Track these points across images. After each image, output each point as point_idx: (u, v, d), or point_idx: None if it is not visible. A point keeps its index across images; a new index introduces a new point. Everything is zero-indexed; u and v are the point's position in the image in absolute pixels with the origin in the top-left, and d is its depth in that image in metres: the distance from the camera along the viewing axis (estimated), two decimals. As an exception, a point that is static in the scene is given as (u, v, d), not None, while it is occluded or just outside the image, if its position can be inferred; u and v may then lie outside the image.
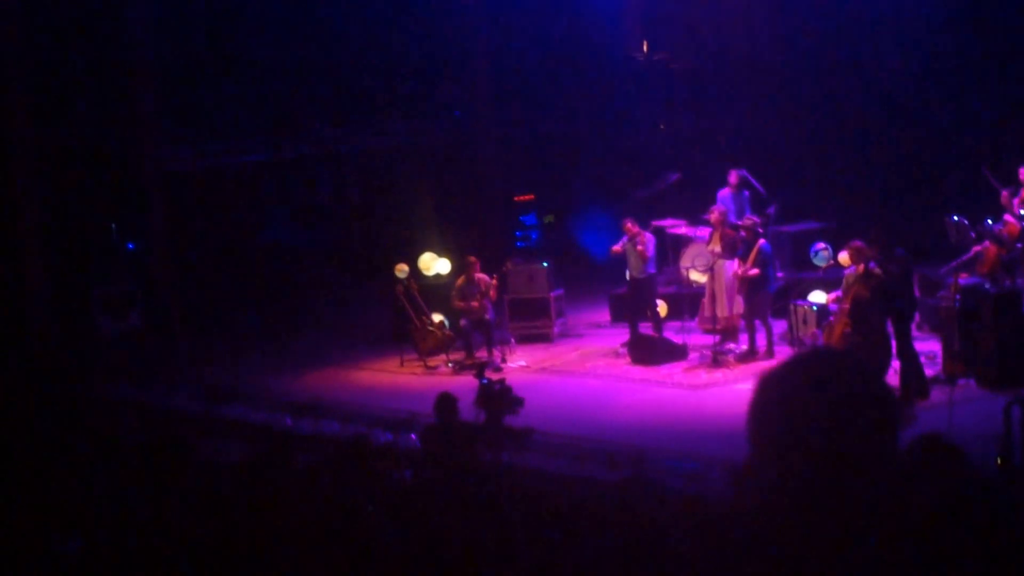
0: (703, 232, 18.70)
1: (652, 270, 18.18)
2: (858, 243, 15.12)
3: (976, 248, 16.27)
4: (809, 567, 2.82)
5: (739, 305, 17.33)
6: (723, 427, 13.89)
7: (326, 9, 23.67)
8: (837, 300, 15.26)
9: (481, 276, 18.18)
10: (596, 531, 9.12)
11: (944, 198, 19.26)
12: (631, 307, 18.36)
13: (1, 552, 8.57)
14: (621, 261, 18.32)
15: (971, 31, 20.91)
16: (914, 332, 16.05)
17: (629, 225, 18.04)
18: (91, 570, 8.31)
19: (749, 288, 16.80)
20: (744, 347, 17.15)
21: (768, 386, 2.96)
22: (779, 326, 17.20)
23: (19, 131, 20.09)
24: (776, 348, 16.88)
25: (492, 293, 18.12)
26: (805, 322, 16.70)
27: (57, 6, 21.33)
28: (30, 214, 20.16)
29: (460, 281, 18.32)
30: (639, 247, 17.85)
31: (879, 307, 14.60)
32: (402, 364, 18.32)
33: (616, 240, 18.31)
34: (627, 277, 18.26)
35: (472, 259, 18.34)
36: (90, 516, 9.39)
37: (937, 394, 13.97)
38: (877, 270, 14.58)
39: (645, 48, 20.68)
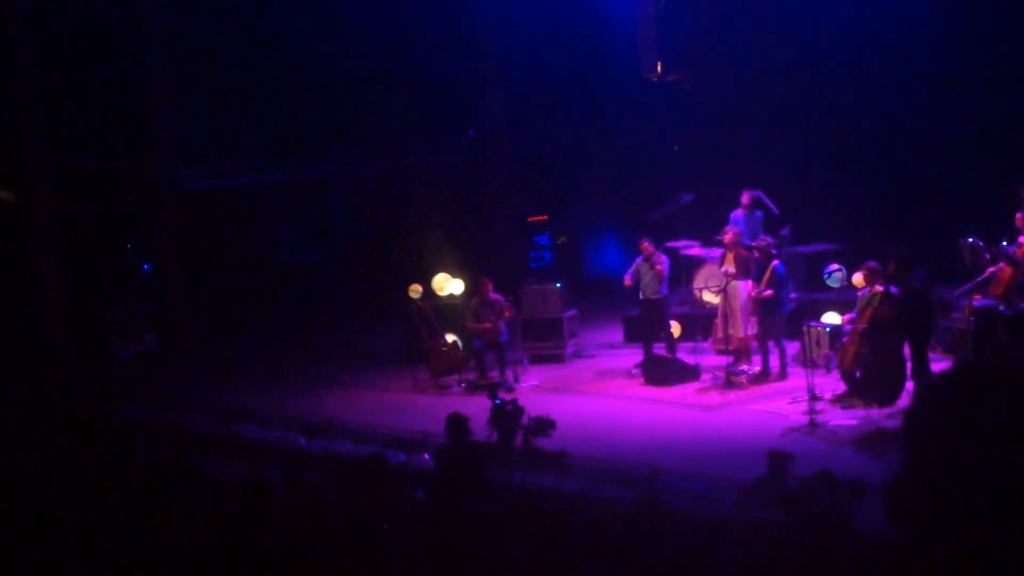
0: (716, 253, 18.71)
1: (665, 291, 18.20)
2: (872, 264, 15.11)
3: (991, 269, 16.24)
4: None
5: (753, 326, 17.32)
6: (736, 447, 13.92)
7: (341, 30, 23.78)
8: (852, 322, 15.25)
9: (496, 297, 18.21)
10: (611, 551, 9.12)
11: (959, 220, 19.21)
12: (644, 328, 18.37)
13: (15, 568, 8.60)
14: (634, 284, 18.31)
15: (990, 50, 20.87)
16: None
17: (645, 245, 18.06)
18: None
19: (763, 309, 16.80)
20: (757, 368, 17.13)
21: (931, 397, 2.70)
22: (792, 347, 17.18)
23: (36, 151, 20.22)
24: (789, 369, 16.87)
25: (507, 314, 18.16)
26: (818, 343, 16.67)
27: (74, 27, 21.45)
28: (47, 234, 20.27)
29: (474, 302, 18.35)
30: (656, 267, 17.87)
31: (897, 328, 14.59)
32: (415, 384, 18.33)
33: (630, 261, 18.33)
34: (640, 297, 18.28)
35: (485, 280, 18.36)
36: (103, 535, 9.42)
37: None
38: (896, 291, 14.57)
39: (659, 68, 20.67)
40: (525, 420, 12.92)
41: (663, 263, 17.98)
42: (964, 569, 2.56)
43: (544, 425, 12.79)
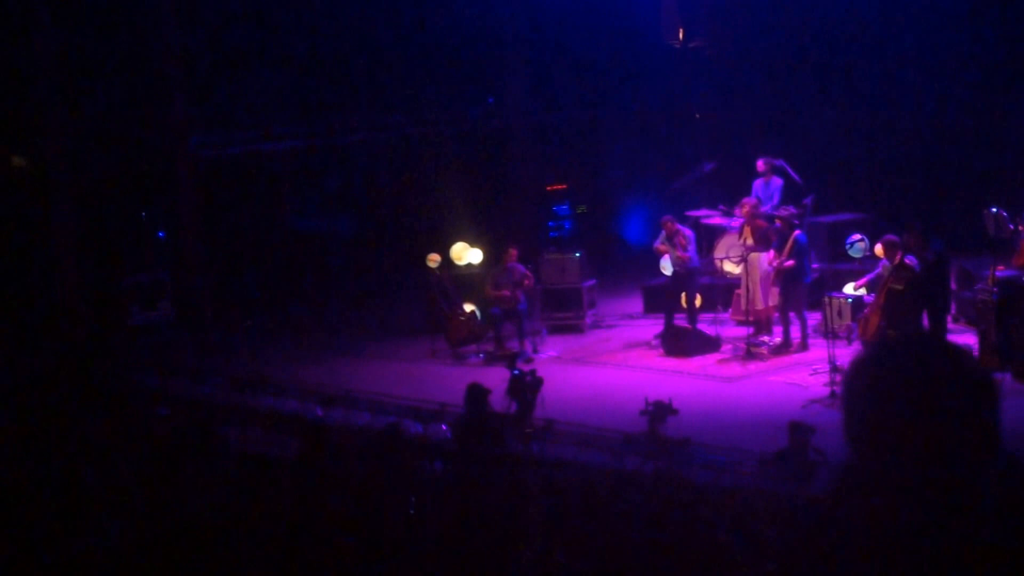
0: (737, 223, 18.53)
1: (696, 263, 17.98)
2: (891, 237, 14.98)
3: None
4: (908, 567, 2.66)
5: (774, 297, 17.18)
6: (756, 419, 13.85)
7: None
8: (863, 288, 15.13)
9: (516, 265, 18.10)
10: (630, 521, 9.02)
11: (983, 189, 19.01)
12: (669, 298, 18.13)
13: (30, 540, 8.55)
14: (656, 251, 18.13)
15: (1015, 21, 20.60)
16: (950, 325, 15.89)
17: (670, 224, 17.84)
18: (123, 555, 8.27)
19: (784, 280, 16.67)
20: (778, 339, 17.00)
21: (856, 376, 2.77)
22: (814, 318, 17.04)
23: (50, 119, 20.11)
24: (810, 340, 16.73)
25: (527, 283, 18.05)
26: (840, 314, 16.55)
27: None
28: (62, 203, 20.19)
29: (497, 269, 18.23)
30: (679, 250, 17.63)
31: (914, 300, 14.46)
32: (433, 354, 18.23)
33: (650, 231, 18.18)
34: (666, 272, 18.05)
35: (513, 249, 18.21)
36: (120, 503, 9.36)
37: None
38: (910, 263, 14.44)
39: (681, 35, 20.45)
40: (647, 406, 12.72)
41: (689, 243, 17.70)
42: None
43: (664, 411, 12.63)
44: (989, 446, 2.69)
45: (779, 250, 16.76)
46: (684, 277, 17.86)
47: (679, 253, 17.64)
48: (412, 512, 9.37)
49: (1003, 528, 2.68)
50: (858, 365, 2.79)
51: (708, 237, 19.88)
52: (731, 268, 18.61)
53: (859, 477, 2.72)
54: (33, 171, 20.33)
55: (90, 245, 20.70)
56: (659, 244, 18.01)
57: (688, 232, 17.94)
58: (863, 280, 15.55)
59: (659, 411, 12.68)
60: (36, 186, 20.25)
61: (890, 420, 2.65)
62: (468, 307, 18.48)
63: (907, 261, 14.55)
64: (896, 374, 2.70)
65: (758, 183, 19.01)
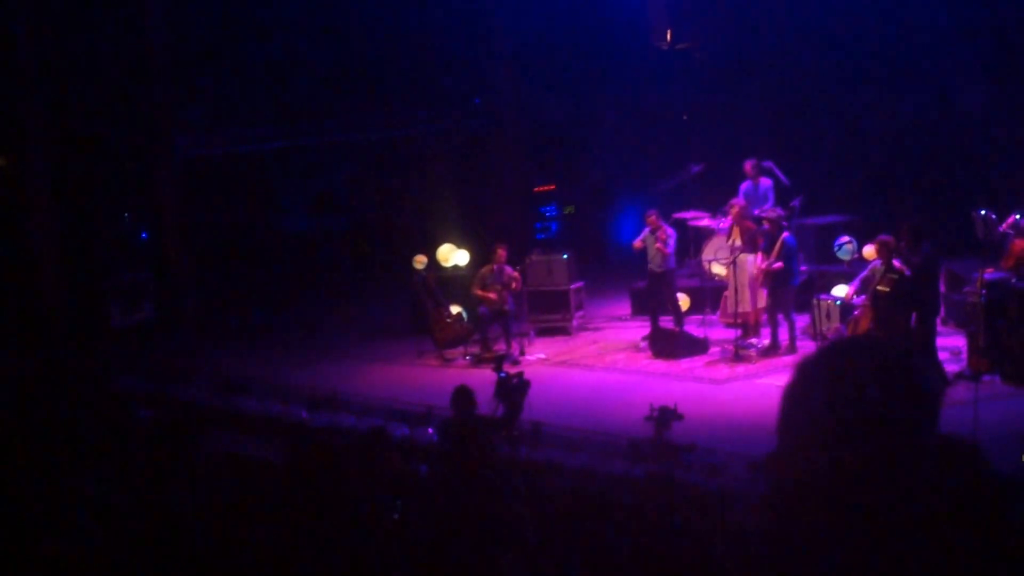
0: (725, 224, 18.47)
1: (672, 264, 17.94)
2: (885, 237, 14.91)
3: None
4: (828, 564, 2.68)
5: (762, 299, 17.12)
6: (744, 421, 13.77)
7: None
8: (856, 293, 15.06)
9: (505, 267, 17.99)
10: (620, 526, 8.92)
11: (971, 192, 18.97)
12: (651, 300, 18.15)
13: (9, 541, 8.42)
14: (641, 254, 18.09)
15: (1003, 24, 20.55)
16: (939, 327, 15.83)
17: (653, 218, 17.80)
18: (106, 557, 8.16)
19: (772, 282, 16.61)
20: (766, 341, 16.93)
21: (800, 375, 2.81)
22: (802, 320, 16.98)
23: (32, 118, 19.93)
24: (799, 343, 16.67)
25: (515, 285, 17.95)
26: (828, 316, 16.51)
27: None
28: (43, 202, 20.01)
29: (486, 269, 18.10)
30: (659, 243, 17.61)
31: (903, 302, 14.40)
32: (419, 356, 18.12)
33: (638, 233, 18.09)
34: (648, 269, 18.03)
35: (501, 249, 18.10)
36: (99, 506, 9.23)
37: (962, 391, 13.67)
38: (900, 265, 14.38)
39: (669, 37, 20.36)
40: (652, 411, 12.61)
41: (669, 239, 17.69)
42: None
43: (669, 416, 12.52)
44: (919, 453, 2.69)
45: (767, 252, 16.69)
46: (661, 277, 17.79)
47: (659, 246, 17.56)
48: (397, 516, 9.26)
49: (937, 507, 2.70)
50: (804, 365, 2.84)
51: (696, 239, 19.81)
52: (719, 270, 18.54)
53: (783, 472, 2.78)
54: (13, 170, 20.14)
55: (71, 246, 20.52)
56: (638, 241, 17.95)
57: (670, 230, 17.88)
58: (855, 285, 15.43)
59: (665, 417, 12.58)
60: (16, 186, 20.06)
61: (825, 420, 2.68)
62: (455, 309, 18.37)
63: (895, 263, 14.49)
64: (838, 376, 2.72)
65: (746, 185, 18.96)
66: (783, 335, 16.75)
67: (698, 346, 17.06)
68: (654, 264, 17.82)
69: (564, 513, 8.99)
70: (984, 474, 2.87)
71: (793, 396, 2.79)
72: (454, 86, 24.97)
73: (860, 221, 19.43)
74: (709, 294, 18.49)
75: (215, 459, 11.65)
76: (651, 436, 12.48)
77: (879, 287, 14.60)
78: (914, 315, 14.51)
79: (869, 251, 15.97)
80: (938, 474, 2.71)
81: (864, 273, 15.53)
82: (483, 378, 13.89)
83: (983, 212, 16.56)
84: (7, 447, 11.39)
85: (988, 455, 2.88)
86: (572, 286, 19.14)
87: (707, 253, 19.11)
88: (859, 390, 2.66)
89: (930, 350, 14.16)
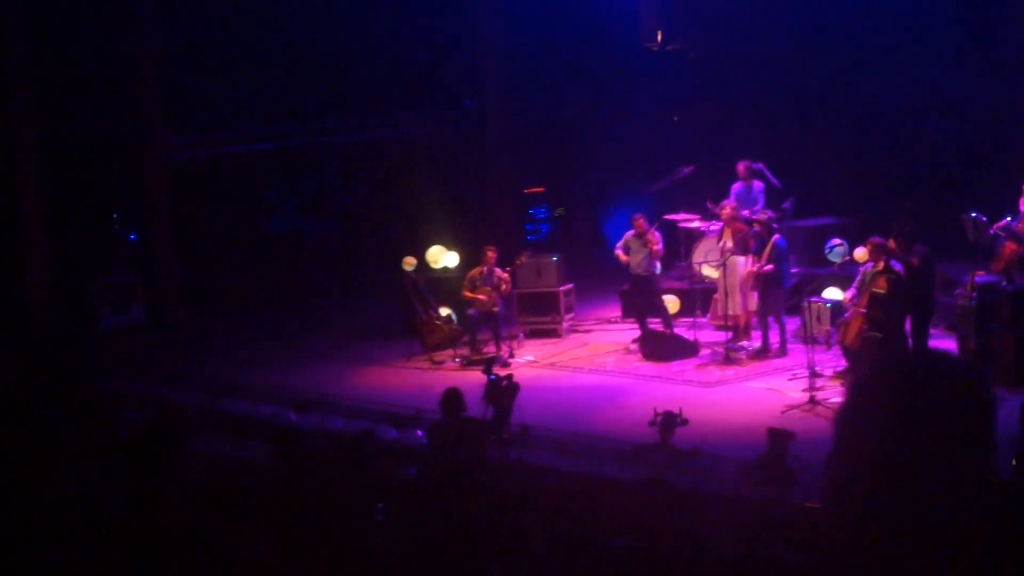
0: (716, 226, 18.43)
1: (656, 268, 17.88)
2: (877, 239, 14.87)
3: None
4: None
5: (752, 301, 17.08)
6: (735, 424, 13.75)
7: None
8: (854, 298, 15.00)
9: (495, 269, 17.93)
10: (611, 530, 8.87)
11: (961, 194, 18.93)
12: (637, 304, 18.10)
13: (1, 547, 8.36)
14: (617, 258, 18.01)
15: (996, 27, 20.54)
16: (931, 330, 15.79)
17: (640, 221, 17.76)
18: (94, 562, 8.09)
19: (763, 284, 16.57)
20: (757, 344, 16.90)
21: (861, 396, 2.71)
22: (792, 323, 16.95)
23: (20, 120, 19.85)
24: (789, 345, 16.64)
25: (504, 287, 17.88)
26: (819, 319, 16.48)
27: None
28: (31, 204, 19.93)
29: (476, 271, 18.03)
30: (652, 247, 17.54)
31: (898, 304, 14.37)
32: (409, 359, 18.05)
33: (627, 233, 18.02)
34: (631, 272, 17.97)
35: (491, 251, 18.04)
36: (88, 510, 9.17)
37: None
38: (896, 266, 14.35)
39: (659, 38, 20.32)
40: (655, 416, 12.58)
41: (660, 243, 17.66)
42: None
43: (674, 421, 12.48)
44: (982, 473, 2.62)
45: (758, 254, 16.65)
46: (645, 281, 17.75)
47: (653, 248, 17.52)
48: (382, 519, 9.20)
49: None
50: (865, 379, 2.74)
51: (686, 241, 19.76)
52: (709, 272, 18.49)
53: (847, 492, 2.66)
54: (1, 172, 20.03)
55: (59, 248, 20.44)
56: (619, 251, 17.86)
57: (658, 235, 17.84)
58: (852, 291, 15.34)
59: (669, 422, 12.55)
60: (3, 187, 19.96)
61: (889, 439, 2.59)
62: (444, 311, 18.32)
63: (892, 264, 14.45)
64: (902, 392, 2.63)
65: (737, 186, 18.90)
66: (773, 338, 16.72)
67: (688, 349, 17.02)
68: (639, 268, 17.77)
69: (553, 516, 8.94)
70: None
71: (855, 418, 2.68)
72: (444, 87, 24.91)
73: (851, 223, 19.38)
74: (699, 296, 18.45)
75: (203, 462, 11.58)
76: (655, 441, 12.47)
77: (875, 288, 14.55)
78: (908, 317, 14.49)
79: (860, 253, 15.93)
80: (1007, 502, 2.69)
81: (858, 277, 15.49)
82: (473, 380, 13.90)
83: (974, 215, 16.52)
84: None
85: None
86: (562, 288, 19.09)
87: (698, 255, 19.06)
88: (935, 408, 2.59)
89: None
